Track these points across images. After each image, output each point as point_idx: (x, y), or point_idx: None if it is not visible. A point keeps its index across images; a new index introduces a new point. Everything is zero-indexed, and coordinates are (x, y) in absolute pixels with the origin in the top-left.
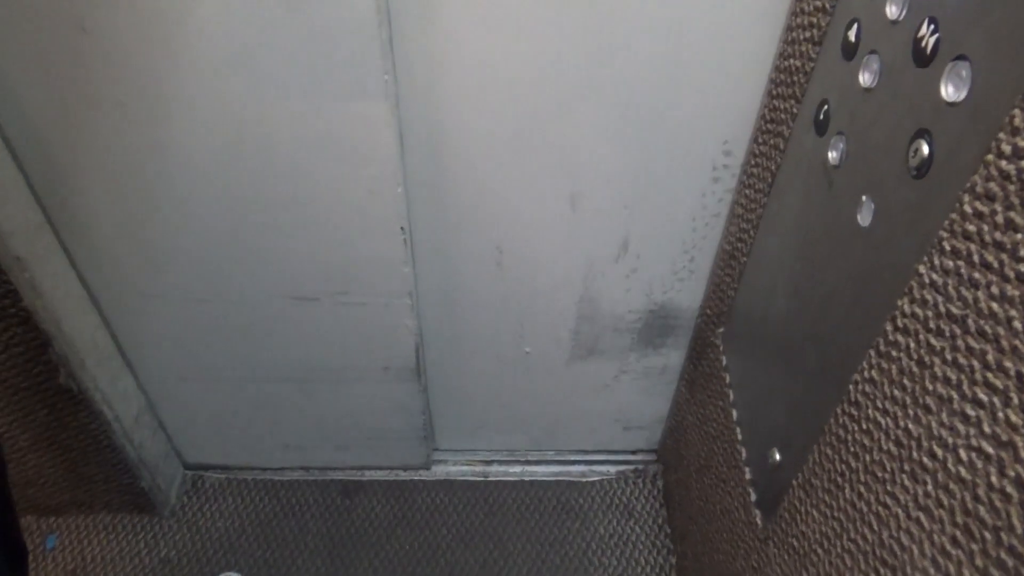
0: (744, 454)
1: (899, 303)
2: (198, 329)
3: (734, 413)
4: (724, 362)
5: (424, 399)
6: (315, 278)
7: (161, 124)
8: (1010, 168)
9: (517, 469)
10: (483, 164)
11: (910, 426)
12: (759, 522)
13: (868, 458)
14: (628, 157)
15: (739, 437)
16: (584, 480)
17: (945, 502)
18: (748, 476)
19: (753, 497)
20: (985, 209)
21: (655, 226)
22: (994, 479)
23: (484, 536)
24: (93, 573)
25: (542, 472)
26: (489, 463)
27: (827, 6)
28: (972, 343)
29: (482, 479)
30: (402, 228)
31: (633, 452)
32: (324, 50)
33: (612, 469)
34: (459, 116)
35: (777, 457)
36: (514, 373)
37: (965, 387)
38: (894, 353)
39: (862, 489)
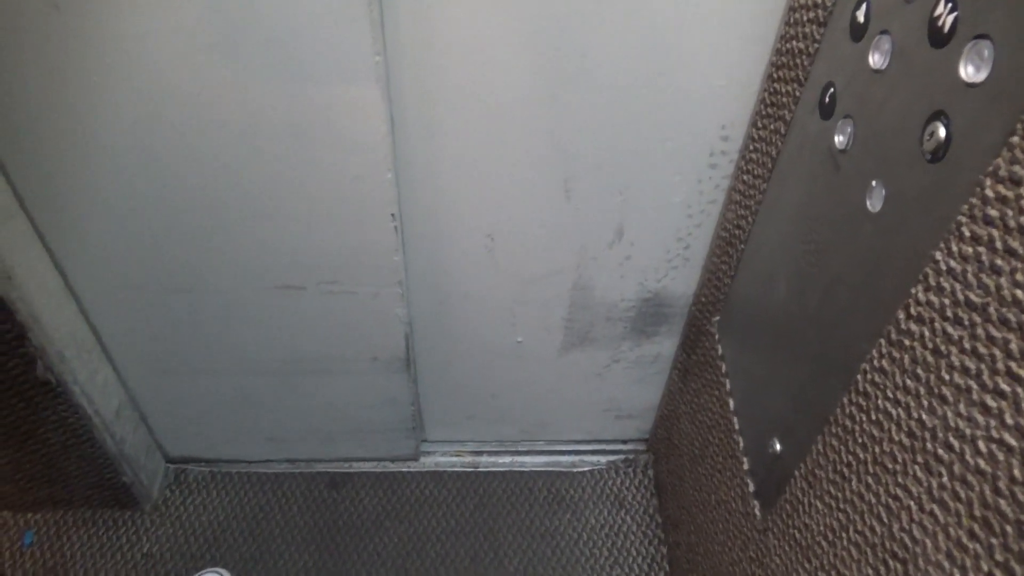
0: (741, 444)
1: (913, 291)
2: (181, 320)
3: (731, 402)
4: (720, 351)
5: (413, 390)
6: (302, 266)
7: (140, 106)
8: None
9: (507, 459)
10: (475, 149)
11: (924, 416)
12: (757, 513)
13: (877, 449)
14: (623, 142)
15: (736, 426)
16: (575, 470)
17: (962, 495)
18: (746, 466)
19: (751, 487)
20: (1009, 193)
21: (650, 213)
22: (1017, 472)
23: (474, 528)
24: (73, 569)
25: (532, 462)
26: (479, 454)
27: None
28: (993, 332)
29: (472, 470)
30: (392, 215)
31: (624, 441)
32: (312, 30)
33: (603, 459)
34: (450, 100)
35: (777, 447)
36: (505, 363)
37: (986, 377)
38: (907, 342)
39: (870, 480)
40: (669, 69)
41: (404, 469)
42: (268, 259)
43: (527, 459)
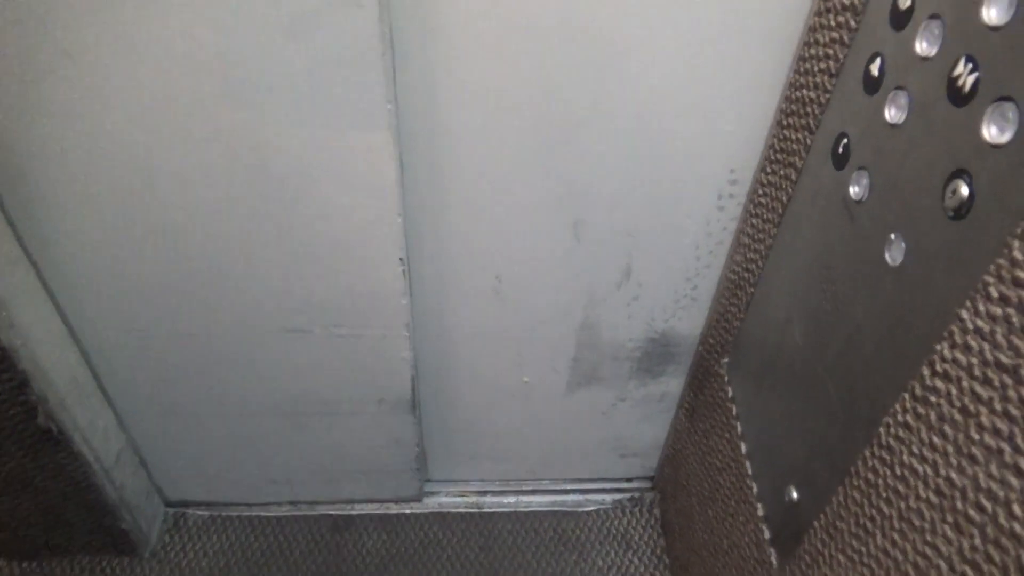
0: (755, 489)
1: (938, 347)
2: (184, 363)
3: (743, 446)
4: (730, 392)
5: (418, 431)
6: (309, 310)
7: (151, 152)
8: None
9: (511, 499)
10: (483, 192)
11: (953, 475)
12: (774, 561)
13: (903, 505)
14: (633, 184)
15: (749, 471)
16: (580, 510)
17: (996, 558)
18: (760, 512)
19: (767, 534)
20: None
21: (658, 254)
22: None
23: (480, 570)
24: None
25: (537, 502)
26: (483, 494)
27: (844, 38)
28: None
29: (476, 510)
30: (401, 259)
31: (629, 479)
32: (326, 79)
33: (608, 498)
34: (458, 143)
35: (794, 495)
36: (511, 402)
37: (1019, 440)
38: (932, 399)
39: (896, 537)
40: (679, 112)
41: (407, 511)
42: (275, 303)
43: (532, 499)
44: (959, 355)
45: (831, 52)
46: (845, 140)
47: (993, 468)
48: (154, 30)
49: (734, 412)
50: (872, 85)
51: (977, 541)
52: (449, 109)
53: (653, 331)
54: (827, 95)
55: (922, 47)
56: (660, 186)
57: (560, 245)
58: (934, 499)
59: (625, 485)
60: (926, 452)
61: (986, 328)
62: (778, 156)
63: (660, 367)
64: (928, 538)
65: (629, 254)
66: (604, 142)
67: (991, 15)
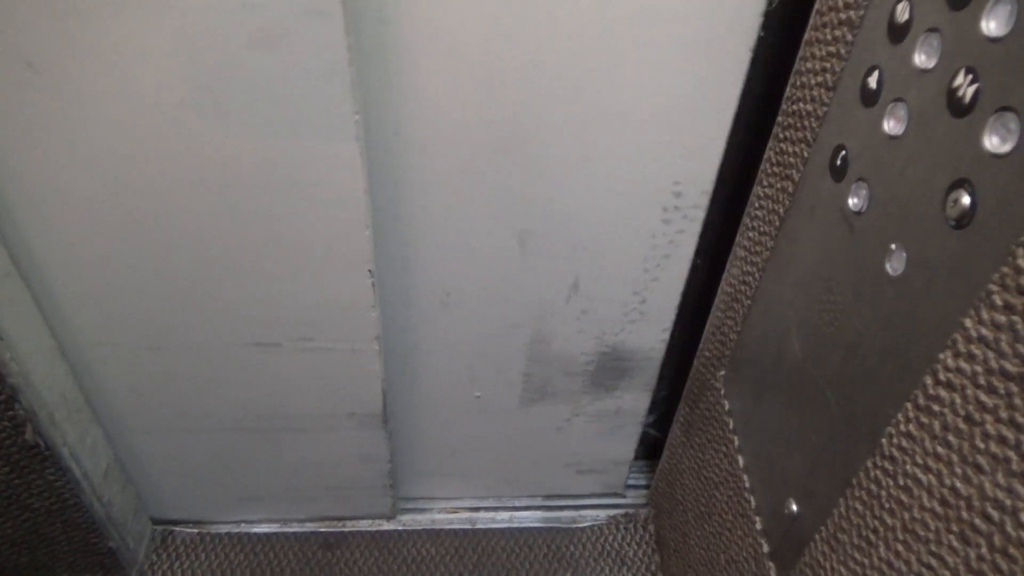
0: (754, 503)
1: (941, 356)
2: (156, 379)
3: (740, 459)
4: (726, 406)
5: (390, 446)
6: (278, 323)
7: (117, 165)
8: None
9: (505, 515)
10: (430, 205)
11: (958, 485)
12: (774, 575)
13: (907, 515)
14: (578, 196)
15: (747, 484)
16: (574, 526)
17: (1005, 567)
18: (759, 526)
19: (766, 548)
20: None
21: (605, 267)
22: None
23: None
24: None
25: (530, 518)
26: (476, 510)
27: (841, 52)
28: None
29: (470, 527)
30: (370, 271)
31: (589, 496)
32: (293, 90)
33: (602, 514)
34: (406, 155)
35: (794, 508)
36: (466, 418)
37: None
38: (936, 408)
39: (900, 548)
40: (627, 126)
41: (400, 528)
42: (244, 317)
43: (525, 515)
44: (963, 364)
45: (828, 66)
46: (843, 152)
47: (1000, 477)
48: (118, 40)
49: (731, 425)
50: (870, 98)
51: (984, 551)
52: (393, 119)
53: (604, 345)
54: (824, 108)
55: (921, 59)
56: (607, 199)
57: (507, 257)
58: (939, 509)
59: (620, 501)
60: (930, 462)
61: (990, 336)
62: (775, 169)
63: (613, 381)
64: (933, 548)
65: (576, 267)
66: (549, 152)
67: (990, 27)
